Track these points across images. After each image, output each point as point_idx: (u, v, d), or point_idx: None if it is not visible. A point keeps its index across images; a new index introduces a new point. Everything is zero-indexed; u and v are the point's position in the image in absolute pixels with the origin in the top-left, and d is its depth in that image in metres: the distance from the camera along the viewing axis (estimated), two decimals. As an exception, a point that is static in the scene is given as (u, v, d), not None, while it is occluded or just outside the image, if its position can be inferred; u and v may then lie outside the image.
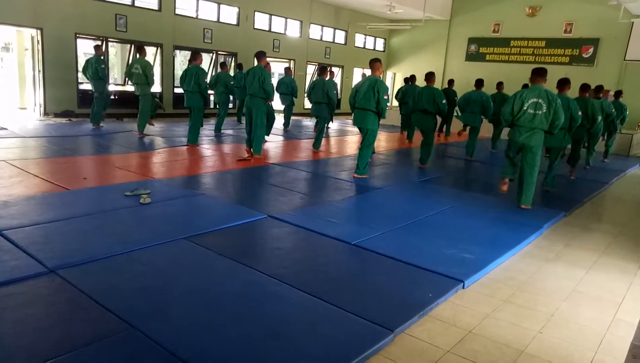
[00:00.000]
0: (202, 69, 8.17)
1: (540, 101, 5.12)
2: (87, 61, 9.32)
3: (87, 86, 11.29)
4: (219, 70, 11.19)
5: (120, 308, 2.58)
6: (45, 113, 10.55)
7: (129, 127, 9.84)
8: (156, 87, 12.50)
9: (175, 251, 3.48)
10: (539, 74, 5.25)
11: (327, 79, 8.91)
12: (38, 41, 10.20)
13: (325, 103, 8.61)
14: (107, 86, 9.79)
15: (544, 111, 5.11)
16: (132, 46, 11.87)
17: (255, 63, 7.36)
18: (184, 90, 8.24)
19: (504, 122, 5.48)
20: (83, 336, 2.32)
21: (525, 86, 7.89)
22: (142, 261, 3.23)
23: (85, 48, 11.91)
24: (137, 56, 8.79)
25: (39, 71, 10.37)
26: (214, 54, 13.67)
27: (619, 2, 12.54)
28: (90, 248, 3.34)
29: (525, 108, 5.18)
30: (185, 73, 8.11)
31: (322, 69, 8.96)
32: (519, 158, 5.50)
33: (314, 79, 9.61)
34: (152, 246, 3.49)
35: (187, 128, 8.37)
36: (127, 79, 11.54)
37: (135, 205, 4.45)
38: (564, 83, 6.25)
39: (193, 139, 8.23)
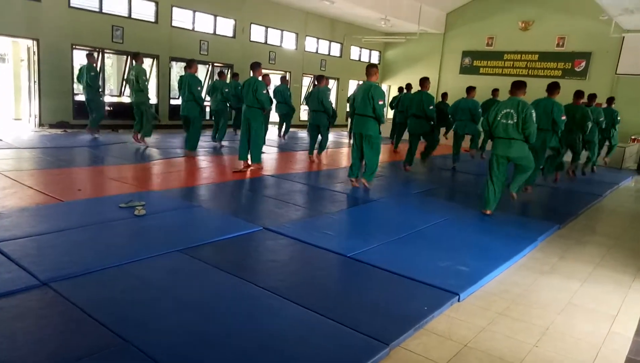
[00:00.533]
0: (196, 77, 8.20)
1: (512, 111, 5.21)
2: (80, 69, 9.47)
3: (82, 97, 11.29)
4: (216, 78, 11.25)
5: (113, 322, 2.55)
6: (41, 124, 10.52)
7: (124, 138, 9.83)
8: (152, 99, 12.53)
9: (169, 263, 3.46)
10: (516, 86, 5.36)
11: (321, 87, 8.97)
12: (34, 52, 10.21)
13: (322, 111, 8.64)
14: (98, 94, 9.77)
15: (515, 120, 5.20)
16: (129, 57, 11.92)
17: (251, 74, 7.42)
18: (180, 100, 8.29)
19: (484, 132, 5.58)
20: (76, 350, 2.30)
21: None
22: (136, 274, 3.20)
23: (82, 59, 11.93)
24: (135, 62, 8.82)
25: (34, 81, 10.37)
26: (210, 66, 13.73)
27: (609, 17, 12.74)
28: (83, 261, 3.32)
29: (498, 118, 5.31)
30: (180, 81, 8.17)
31: (319, 78, 9.02)
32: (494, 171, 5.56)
33: (311, 89, 9.69)
34: (146, 259, 3.46)
35: (183, 139, 8.40)
36: (125, 85, 11.71)
37: (130, 217, 4.43)
38: (553, 87, 6.36)
39: (191, 147, 8.25)
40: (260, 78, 7.37)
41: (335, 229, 4.66)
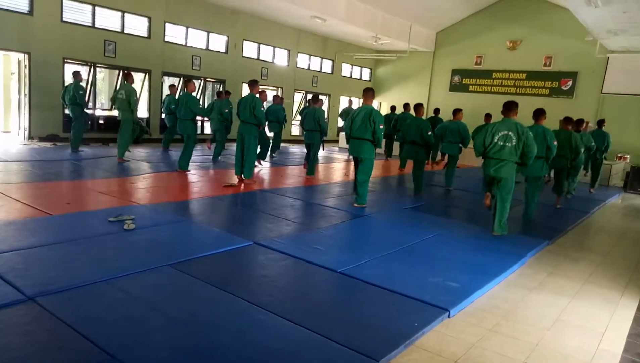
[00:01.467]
0: (193, 97, 8.29)
1: (510, 133, 5.25)
2: (66, 87, 9.45)
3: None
4: (215, 98, 11.31)
5: (100, 338, 2.51)
6: (30, 137, 10.44)
7: (114, 152, 9.77)
8: (143, 113, 12.54)
9: (158, 278, 3.42)
10: (509, 108, 5.41)
11: (317, 106, 9.02)
12: (25, 65, 10.18)
13: (317, 130, 8.69)
14: (85, 111, 9.71)
15: (514, 143, 5.24)
16: (120, 71, 11.93)
17: (248, 91, 7.50)
18: (177, 117, 8.36)
19: (476, 153, 5.60)
20: (61, 367, 2.25)
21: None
22: (124, 289, 3.17)
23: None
24: (125, 82, 8.81)
25: (24, 95, 10.32)
26: (202, 81, 13.79)
27: (594, 38, 13.05)
28: (71, 276, 3.27)
29: (495, 140, 5.33)
30: (178, 101, 8.24)
31: (315, 98, 9.07)
32: (494, 189, 5.58)
33: (306, 108, 9.75)
34: (135, 274, 3.43)
35: (174, 153, 8.40)
36: (112, 103, 11.68)
37: (119, 231, 4.39)
38: (539, 113, 6.43)
39: (184, 166, 8.21)
40: (257, 95, 7.46)
41: (326, 244, 4.66)
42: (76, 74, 9.45)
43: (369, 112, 6.11)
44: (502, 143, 5.29)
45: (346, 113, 13.04)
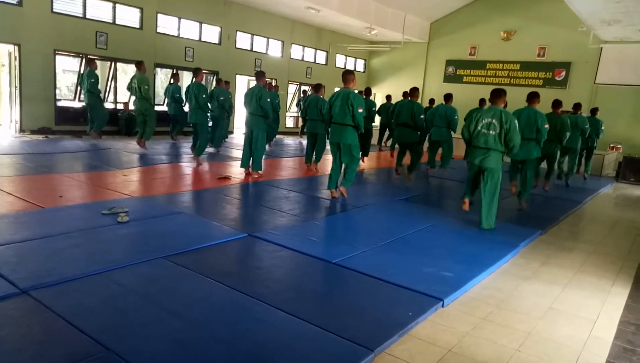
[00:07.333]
0: (202, 85, 8.40)
1: (494, 121, 5.10)
2: (81, 75, 9.73)
3: (65, 103, 11.20)
4: (214, 86, 11.29)
5: (95, 330, 2.51)
6: (22, 130, 10.34)
7: (107, 144, 9.72)
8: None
9: (153, 270, 3.42)
10: (496, 95, 5.24)
11: (320, 95, 8.96)
12: (15, 57, 10.05)
13: (321, 120, 8.64)
14: (100, 100, 9.94)
15: (497, 131, 5.09)
16: (113, 63, 11.81)
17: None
18: (188, 107, 8.64)
19: (464, 140, 5.52)
20: (56, 359, 2.25)
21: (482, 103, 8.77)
22: (118, 282, 3.16)
23: (65, 65, 11.80)
24: (138, 71, 9.00)
25: (15, 87, 10.20)
26: (196, 72, 13.69)
27: (588, 29, 13.06)
28: (65, 268, 3.26)
29: (479, 128, 5.21)
30: (187, 90, 8.41)
31: (317, 87, 9.01)
32: (481, 179, 5.39)
33: (308, 97, 9.68)
34: (129, 266, 3.42)
35: (167, 145, 8.42)
36: (109, 91, 11.91)
37: (113, 224, 4.37)
38: (533, 96, 6.43)
39: (199, 153, 8.38)
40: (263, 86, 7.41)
41: (321, 235, 4.67)
42: (91, 62, 9.65)
43: (346, 96, 5.92)
44: (485, 131, 5.14)
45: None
